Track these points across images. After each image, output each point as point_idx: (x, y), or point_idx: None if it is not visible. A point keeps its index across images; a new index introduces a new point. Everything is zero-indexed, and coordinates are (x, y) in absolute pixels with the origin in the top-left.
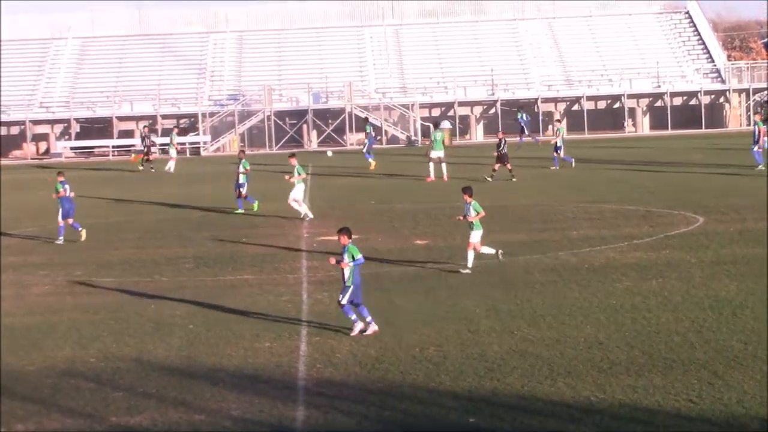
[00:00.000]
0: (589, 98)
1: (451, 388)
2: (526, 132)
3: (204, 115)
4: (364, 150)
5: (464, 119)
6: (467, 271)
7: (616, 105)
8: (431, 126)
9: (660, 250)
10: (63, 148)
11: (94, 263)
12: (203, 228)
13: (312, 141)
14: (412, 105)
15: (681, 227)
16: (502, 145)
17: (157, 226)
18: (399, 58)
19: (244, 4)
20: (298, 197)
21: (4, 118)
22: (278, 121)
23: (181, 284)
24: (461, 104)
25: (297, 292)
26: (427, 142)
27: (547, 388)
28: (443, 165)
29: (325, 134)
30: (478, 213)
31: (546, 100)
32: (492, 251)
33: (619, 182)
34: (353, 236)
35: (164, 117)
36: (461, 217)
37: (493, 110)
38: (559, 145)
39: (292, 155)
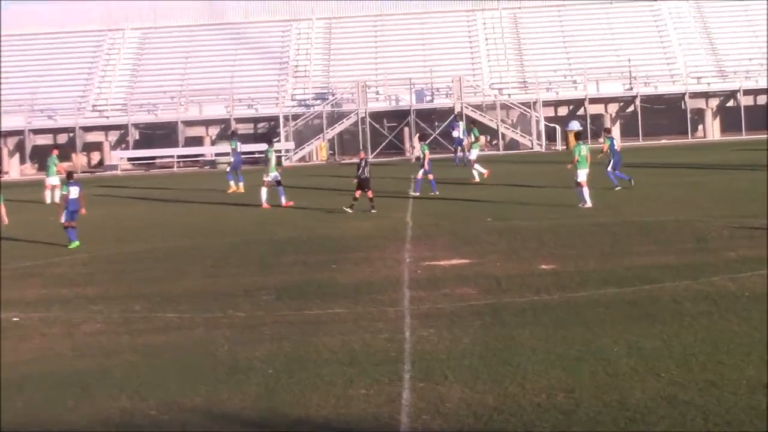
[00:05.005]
0: (746, 92)
1: None
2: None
3: (286, 118)
4: (228, 169)
5: (597, 119)
6: None
7: None
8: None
9: None
10: (119, 159)
11: (158, 296)
12: (288, 251)
13: (415, 147)
14: (534, 103)
15: None
16: (361, 168)
17: (233, 251)
18: (518, 48)
19: None
20: None
21: (51, 123)
22: (374, 124)
23: (261, 320)
24: (593, 101)
25: (398, 329)
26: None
27: None
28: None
29: (431, 138)
30: None
31: (694, 95)
32: None
33: None
34: None
35: (239, 120)
36: None
37: (631, 108)
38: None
39: None
